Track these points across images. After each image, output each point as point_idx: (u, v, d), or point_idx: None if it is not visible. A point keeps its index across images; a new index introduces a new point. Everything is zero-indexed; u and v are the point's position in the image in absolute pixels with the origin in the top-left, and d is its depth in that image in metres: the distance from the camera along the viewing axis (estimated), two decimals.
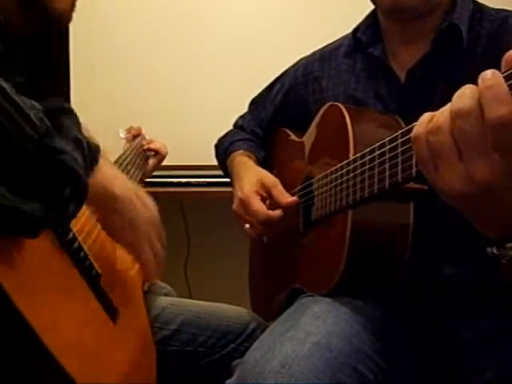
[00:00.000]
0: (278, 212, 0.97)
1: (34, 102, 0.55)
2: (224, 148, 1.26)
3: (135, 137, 1.39)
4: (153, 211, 0.79)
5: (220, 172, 1.32)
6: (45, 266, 0.64)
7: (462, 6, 0.90)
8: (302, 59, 1.16)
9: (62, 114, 0.59)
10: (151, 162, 1.37)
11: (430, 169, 0.50)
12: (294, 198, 0.98)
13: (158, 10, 1.98)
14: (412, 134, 0.52)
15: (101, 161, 0.66)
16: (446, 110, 0.48)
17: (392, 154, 0.63)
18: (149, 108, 1.94)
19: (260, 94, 1.27)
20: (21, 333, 0.55)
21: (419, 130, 0.50)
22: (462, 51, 0.88)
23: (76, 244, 0.72)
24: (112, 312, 0.76)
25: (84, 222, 0.78)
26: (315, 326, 0.77)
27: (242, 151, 1.20)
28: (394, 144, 0.63)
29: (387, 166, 0.64)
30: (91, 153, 0.62)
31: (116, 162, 1.13)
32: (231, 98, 1.67)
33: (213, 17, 1.98)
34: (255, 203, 0.99)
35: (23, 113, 0.53)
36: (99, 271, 0.76)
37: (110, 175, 0.69)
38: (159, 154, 1.38)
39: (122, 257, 0.90)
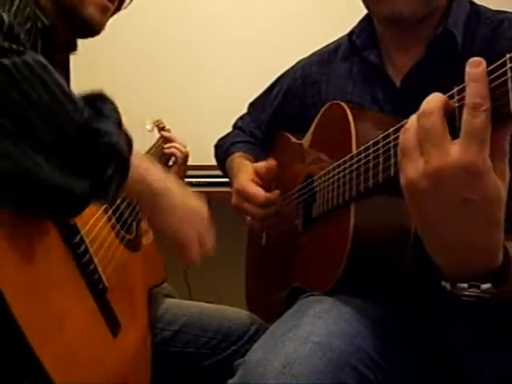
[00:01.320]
0: (275, 192, 1.04)
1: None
2: (224, 148, 1.26)
3: (162, 129, 1.36)
4: (198, 202, 0.86)
5: (220, 172, 1.32)
6: (53, 276, 0.64)
7: (458, 10, 0.90)
8: (300, 61, 1.16)
9: (100, 100, 0.61)
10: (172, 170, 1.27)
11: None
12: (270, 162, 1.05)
13: (158, 9, 1.98)
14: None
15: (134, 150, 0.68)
16: (414, 115, 0.54)
17: (396, 142, 0.63)
18: (148, 108, 1.93)
19: (259, 97, 1.27)
20: (13, 341, 0.54)
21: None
22: (457, 55, 0.87)
23: (87, 257, 0.73)
24: (114, 326, 0.76)
25: (97, 233, 0.79)
26: (317, 326, 0.77)
27: (241, 153, 1.20)
28: (398, 134, 0.63)
29: (392, 152, 0.65)
30: (128, 139, 0.65)
31: None
32: (231, 99, 1.67)
33: (213, 17, 1.98)
34: (252, 188, 1.04)
35: (67, 94, 0.55)
36: (106, 285, 0.76)
37: (145, 163, 0.74)
38: (177, 160, 1.31)
39: (134, 264, 0.90)
